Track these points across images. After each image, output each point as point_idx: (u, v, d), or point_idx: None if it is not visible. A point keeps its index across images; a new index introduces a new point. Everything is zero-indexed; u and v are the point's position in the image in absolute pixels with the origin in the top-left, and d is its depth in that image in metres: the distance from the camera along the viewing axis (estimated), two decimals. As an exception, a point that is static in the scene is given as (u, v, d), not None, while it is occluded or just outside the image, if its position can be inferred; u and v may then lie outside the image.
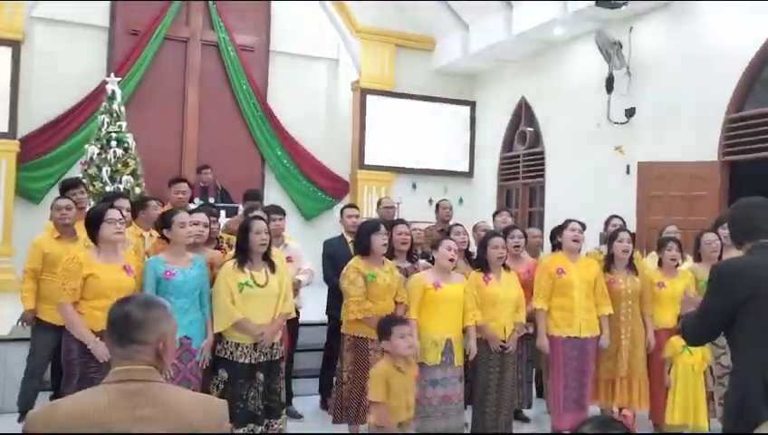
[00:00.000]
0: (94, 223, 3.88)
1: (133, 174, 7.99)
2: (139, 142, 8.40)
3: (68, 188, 5.26)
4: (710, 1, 7.63)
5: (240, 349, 4.14)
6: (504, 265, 4.96)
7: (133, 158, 8.09)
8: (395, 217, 6.64)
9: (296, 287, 5.32)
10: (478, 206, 11.25)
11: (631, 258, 5.28)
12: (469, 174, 11.94)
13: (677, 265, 5.29)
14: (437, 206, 7.16)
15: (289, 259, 5.30)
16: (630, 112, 8.51)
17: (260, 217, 4.42)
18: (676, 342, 5.00)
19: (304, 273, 5.44)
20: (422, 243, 6.02)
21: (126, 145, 8.07)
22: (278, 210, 5.55)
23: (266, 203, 7.69)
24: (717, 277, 2.74)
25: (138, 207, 5.39)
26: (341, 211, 6.18)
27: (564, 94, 9.74)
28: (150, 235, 5.05)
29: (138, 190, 7.92)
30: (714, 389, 5.01)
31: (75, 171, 8.64)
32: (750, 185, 7.38)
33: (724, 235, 5.27)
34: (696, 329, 2.85)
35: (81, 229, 4.88)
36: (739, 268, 2.72)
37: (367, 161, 11.28)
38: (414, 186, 11.49)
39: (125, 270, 3.93)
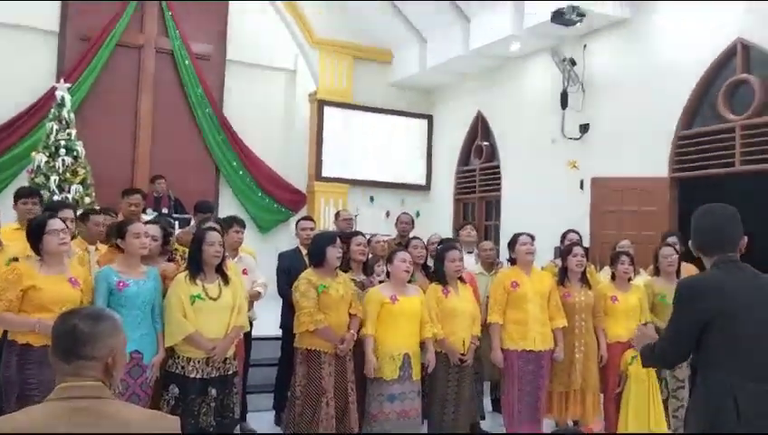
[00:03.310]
0: (36, 234, 3.74)
1: (83, 183, 7.79)
2: (89, 151, 8.19)
3: (20, 196, 5.06)
4: (661, 22, 7.85)
5: (192, 364, 4.02)
6: (459, 278, 4.96)
7: (83, 166, 7.88)
8: (353, 230, 6.59)
9: (255, 299, 5.25)
10: (435, 219, 11.29)
11: (584, 272, 5.35)
12: (426, 187, 11.99)
13: (630, 278, 5.38)
14: (397, 219, 7.15)
15: (244, 272, 5.22)
16: (584, 128, 8.67)
17: (214, 229, 4.33)
18: (628, 354, 5.08)
19: (260, 285, 5.36)
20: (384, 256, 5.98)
21: (75, 153, 7.86)
22: (238, 222, 5.45)
23: (221, 215, 7.59)
24: (685, 295, 2.64)
25: (79, 220, 5.15)
26: (296, 223, 6.12)
27: (520, 109, 9.87)
28: (96, 249, 4.87)
29: (87, 200, 7.71)
30: (669, 402, 5.09)
31: (22, 180, 8.36)
32: (698, 201, 7.60)
33: (677, 247, 5.44)
34: (667, 351, 2.72)
35: (12, 239, 4.68)
36: (707, 285, 2.62)
37: (324, 173, 11.22)
38: (371, 198, 11.48)
39: (70, 282, 3.78)
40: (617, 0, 8.15)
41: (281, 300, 5.56)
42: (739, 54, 7.02)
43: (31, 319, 3.58)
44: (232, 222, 5.36)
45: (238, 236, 5.30)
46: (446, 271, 4.90)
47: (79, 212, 5.35)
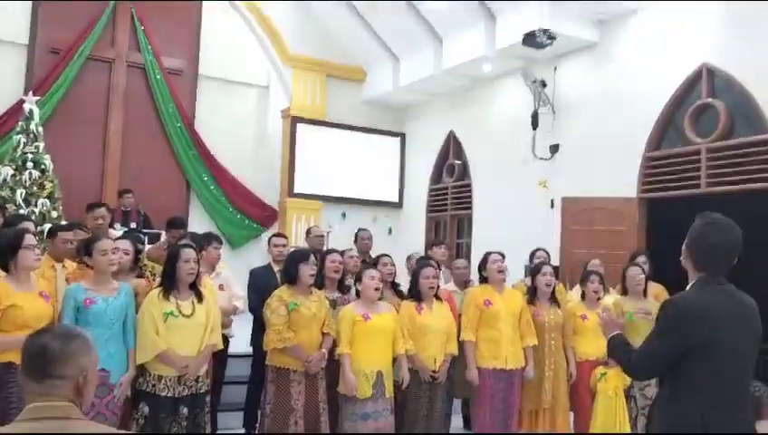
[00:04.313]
0: (10, 249, 3.66)
1: (50, 197, 7.66)
2: (57, 165, 8.06)
3: None
4: (629, 46, 8.03)
5: (163, 382, 3.96)
6: (436, 296, 4.98)
7: (50, 180, 7.76)
8: (324, 246, 6.57)
9: (233, 313, 5.25)
10: (407, 236, 11.32)
11: (553, 291, 5.41)
12: (398, 204, 12.01)
13: (599, 297, 5.45)
14: (356, 236, 7.07)
15: (221, 287, 5.19)
16: (555, 149, 8.78)
17: (189, 246, 4.29)
18: (597, 371, 5.15)
19: (238, 299, 5.33)
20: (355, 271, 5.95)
21: (43, 167, 7.74)
22: (216, 238, 5.43)
23: (191, 231, 7.51)
24: (670, 318, 2.52)
25: (47, 236, 5.02)
26: (269, 240, 6.09)
27: (491, 129, 9.98)
28: (64, 266, 4.77)
29: (54, 214, 7.58)
30: (638, 419, 5.13)
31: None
32: (666, 221, 7.75)
33: (644, 268, 5.55)
34: (643, 366, 2.64)
35: None
36: (694, 311, 2.50)
37: (296, 190, 11.19)
38: (343, 215, 11.45)
39: (42, 297, 3.72)
40: (587, 23, 8.32)
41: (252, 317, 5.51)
42: (704, 79, 7.20)
43: (18, 336, 3.47)
44: (211, 239, 5.35)
45: (217, 253, 5.31)
46: (420, 288, 4.92)
47: (47, 227, 5.25)
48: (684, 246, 2.65)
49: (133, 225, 8.41)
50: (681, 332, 2.47)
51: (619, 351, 2.75)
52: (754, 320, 2.59)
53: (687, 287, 2.65)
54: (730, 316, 2.51)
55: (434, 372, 4.83)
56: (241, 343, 5.68)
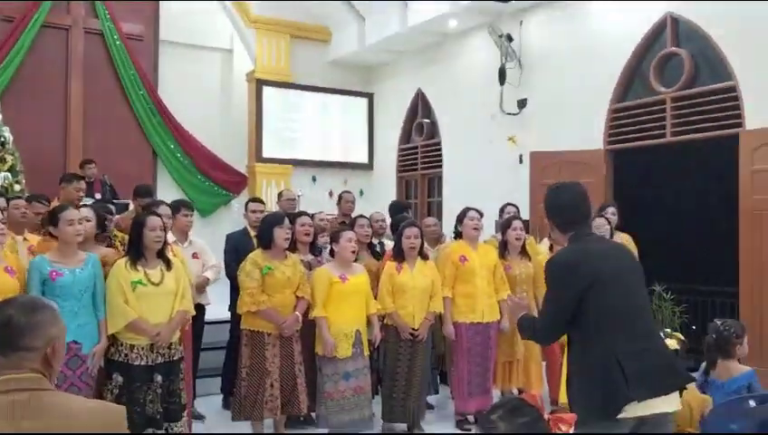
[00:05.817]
0: None
1: (11, 170, 7.47)
2: (17, 137, 7.85)
3: None
4: (593, -3, 8.01)
5: (135, 350, 3.94)
6: (421, 255, 5.00)
7: (11, 153, 7.56)
8: (296, 210, 6.55)
9: (204, 284, 5.20)
10: (378, 197, 11.30)
11: (524, 244, 5.47)
12: (369, 166, 11.97)
13: (567, 248, 5.52)
14: (340, 198, 7.10)
15: (195, 256, 5.15)
16: (522, 103, 8.78)
17: (155, 213, 4.23)
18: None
19: (211, 269, 5.29)
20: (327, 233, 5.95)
21: (2, 140, 7.53)
22: (186, 205, 5.37)
23: (160, 199, 7.41)
24: (557, 272, 2.70)
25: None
26: (246, 205, 6.07)
27: (459, 86, 9.94)
28: (24, 239, 4.67)
29: (17, 187, 7.41)
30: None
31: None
32: (632, 171, 7.84)
33: (612, 219, 5.63)
34: (548, 329, 2.78)
35: None
36: (576, 258, 2.68)
37: (265, 154, 11.06)
38: (314, 178, 11.38)
39: (6, 271, 3.65)
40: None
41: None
42: (669, 28, 7.22)
43: None
44: (179, 206, 5.30)
45: (187, 220, 5.26)
46: (402, 247, 4.96)
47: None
48: (546, 218, 2.89)
49: (98, 195, 8.26)
50: (566, 282, 2.64)
51: (525, 327, 2.91)
52: (630, 257, 2.83)
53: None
54: (605, 256, 2.72)
55: (414, 329, 4.88)
56: (217, 309, 5.67)
